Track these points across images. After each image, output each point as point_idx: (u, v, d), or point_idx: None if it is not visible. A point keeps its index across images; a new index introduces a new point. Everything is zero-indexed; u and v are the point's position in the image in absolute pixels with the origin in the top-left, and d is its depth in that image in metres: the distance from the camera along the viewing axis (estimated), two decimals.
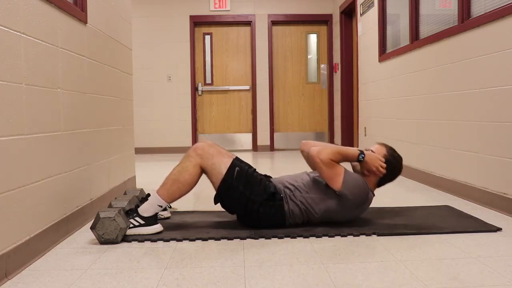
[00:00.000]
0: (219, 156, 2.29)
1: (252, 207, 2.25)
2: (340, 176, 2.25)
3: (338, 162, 2.28)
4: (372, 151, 2.39)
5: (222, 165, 2.26)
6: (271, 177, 2.43)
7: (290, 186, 2.33)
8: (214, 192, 2.31)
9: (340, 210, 2.30)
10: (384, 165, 2.33)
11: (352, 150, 2.32)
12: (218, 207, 2.42)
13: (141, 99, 6.85)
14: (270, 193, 2.27)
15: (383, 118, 4.73)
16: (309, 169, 2.59)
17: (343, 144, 6.47)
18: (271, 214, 2.28)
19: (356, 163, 2.39)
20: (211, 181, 2.30)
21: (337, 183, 2.25)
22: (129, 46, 3.61)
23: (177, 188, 2.25)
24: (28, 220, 1.90)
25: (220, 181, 2.25)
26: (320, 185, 2.31)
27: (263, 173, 2.42)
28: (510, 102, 2.55)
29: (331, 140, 7.09)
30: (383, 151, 2.39)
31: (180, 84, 6.98)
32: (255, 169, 2.39)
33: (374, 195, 2.39)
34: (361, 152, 2.31)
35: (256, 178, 2.31)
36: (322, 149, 2.26)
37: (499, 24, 2.64)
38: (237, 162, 2.30)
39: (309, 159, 2.37)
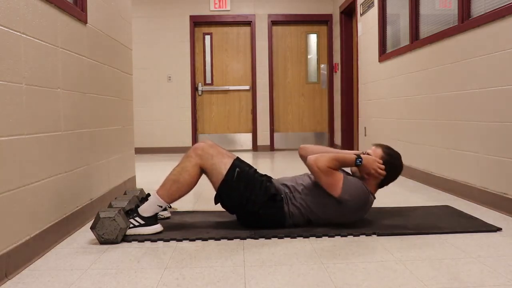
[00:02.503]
0: (219, 156, 2.28)
1: (252, 208, 2.25)
2: (339, 182, 2.24)
3: (336, 168, 2.26)
4: (368, 153, 2.37)
5: (222, 165, 2.26)
6: (272, 178, 2.42)
7: (291, 187, 2.33)
8: (214, 193, 2.31)
9: (340, 214, 2.29)
10: (383, 166, 2.31)
11: (350, 155, 2.31)
12: (218, 207, 2.42)
13: (141, 99, 6.85)
14: (271, 194, 2.27)
15: (383, 118, 4.73)
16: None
17: (343, 145, 6.47)
18: (271, 215, 2.28)
19: (355, 168, 2.36)
20: (211, 181, 2.30)
21: (337, 190, 2.24)
22: (129, 46, 3.61)
23: (177, 188, 2.25)
24: (28, 220, 1.90)
25: (220, 181, 2.25)
26: (320, 189, 2.30)
27: (263, 174, 2.42)
28: (510, 102, 2.55)
29: (331, 140, 7.09)
30: (380, 152, 2.36)
31: (180, 84, 6.98)
32: (255, 170, 2.39)
33: (374, 198, 2.38)
34: (358, 157, 2.29)
35: (256, 179, 2.31)
36: (320, 157, 2.25)
37: (499, 24, 2.64)
38: (237, 162, 2.30)
39: (308, 167, 2.36)
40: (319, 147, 2.50)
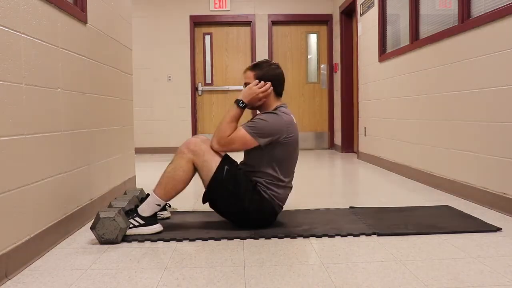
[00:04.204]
0: (211, 152, 2.28)
1: (241, 205, 2.25)
2: (246, 136, 2.24)
3: (235, 129, 2.27)
4: (246, 84, 2.37)
5: (213, 163, 2.25)
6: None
7: (252, 174, 2.32)
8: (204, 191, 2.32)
9: (285, 149, 2.29)
10: (262, 83, 2.32)
11: (233, 108, 2.30)
12: None
13: (141, 99, 6.85)
14: (252, 187, 2.27)
15: (383, 118, 4.73)
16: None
17: (343, 145, 6.47)
18: (259, 210, 2.28)
19: (246, 109, 2.36)
20: (201, 178, 2.30)
21: (252, 142, 2.25)
22: (129, 46, 3.61)
23: (173, 186, 2.25)
24: (28, 220, 1.90)
25: (209, 179, 2.25)
26: (255, 155, 2.30)
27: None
28: (510, 102, 2.55)
29: (331, 140, 7.09)
30: (250, 74, 2.37)
31: (180, 84, 6.98)
32: (241, 168, 2.39)
33: (284, 106, 2.36)
34: (238, 101, 2.30)
35: (243, 176, 2.31)
36: (216, 138, 2.26)
37: (499, 24, 2.64)
38: (226, 160, 2.30)
39: (219, 152, 2.32)
40: (214, 134, 2.35)
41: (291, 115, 2.37)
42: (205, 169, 2.26)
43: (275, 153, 2.29)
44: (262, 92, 2.32)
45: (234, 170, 2.29)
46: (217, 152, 2.30)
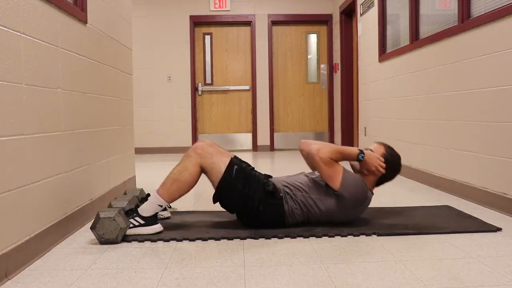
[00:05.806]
0: (219, 155, 2.29)
1: (252, 205, 2.25)
2: (339, 175, 2.26)
3: (337, 161, 2.29)
4: (371, 150, 2.40)
5: (222, 164, 2.26)
6: (271, 177, 2.43)
7: (290, 186, 2.33)
8: (213, 192, 2.32)
9: (339, 210, 2.30)
10: (384, 164, 2.34)
11: (352, 149, 2.33)
12: (218, 207, 2.42)
13: (141, 99, 6.85)
14: (269, 191, 2.28)
15: (383, 118, 4.73)
16: (307, 170, 2.59)
17: (343, 144, 6.46)
18: (271, 213, 2.28)
19: (356, 162, 2.39)
20: (211, 180, 2.31)
21: (336, 182, 2.26)
22: (129, 46, 3.61)
23: (177, 187, 2.25)
24: (28, 220, 1.90)
25: (219, 179, 2.25)
26: (319, 186, 2.32)
27: (263, 173, 2.43)
28: (510, 102, 2.55)
29: (331, 140, 7.09)
30: (382, 150, 2.40)
31: (180, 84, 6.98)
32: (253, 168, 2.40)
33: (373, 194, 2.40)
34: (361, 152, 2.31)
35: (254, 176, 2.32)
36: (322, 148, 2.27)
37: (499, 24, 2.64)
38: (235, 160, 2.31)
39: (309, 157, 2.39)
40: (320, 142, 2.49)
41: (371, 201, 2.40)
42: (215, 171, 2.26)
43: (333, 205, 2.30)
44: (377, 169, 2.33)
45: (244, 169, 2.29)
46: (225, 154, 2.31)
